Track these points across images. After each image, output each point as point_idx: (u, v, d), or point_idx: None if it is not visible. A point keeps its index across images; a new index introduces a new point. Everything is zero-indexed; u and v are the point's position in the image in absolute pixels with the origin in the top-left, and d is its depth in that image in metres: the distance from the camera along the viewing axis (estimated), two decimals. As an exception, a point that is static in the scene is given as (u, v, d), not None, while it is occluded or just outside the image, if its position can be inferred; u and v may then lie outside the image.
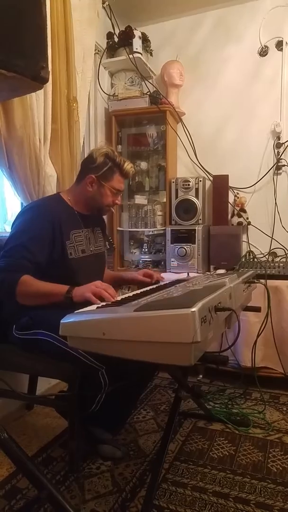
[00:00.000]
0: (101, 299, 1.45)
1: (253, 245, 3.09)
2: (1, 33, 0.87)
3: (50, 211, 1.79)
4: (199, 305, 0.99)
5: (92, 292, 1.46)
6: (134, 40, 2.99)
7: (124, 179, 1.94)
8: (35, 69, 0.95)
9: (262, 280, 2.20)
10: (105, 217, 2.22)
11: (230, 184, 3.05)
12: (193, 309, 0.97)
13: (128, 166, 1.91)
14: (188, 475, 1.69)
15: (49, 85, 2.14)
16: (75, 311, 1.25)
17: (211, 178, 3.14)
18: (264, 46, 3.01)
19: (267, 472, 1.72)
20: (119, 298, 1.48)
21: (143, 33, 3.09)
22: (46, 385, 2.41)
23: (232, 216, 3.08)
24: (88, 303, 1.43)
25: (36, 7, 0.95)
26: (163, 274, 2.25)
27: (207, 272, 2.77)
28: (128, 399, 1.98)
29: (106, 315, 1.14)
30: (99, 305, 1.36)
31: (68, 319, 1.20)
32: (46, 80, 0.99)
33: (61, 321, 1.19)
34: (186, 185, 2.96)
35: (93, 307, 1.34)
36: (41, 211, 1.78)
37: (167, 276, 2.42)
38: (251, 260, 2.89)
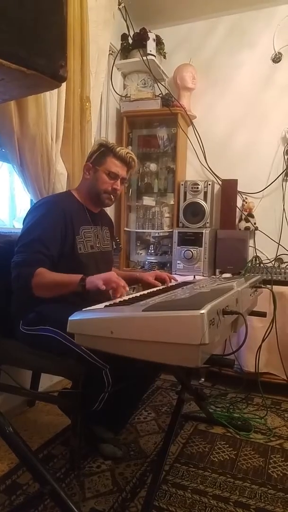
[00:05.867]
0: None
1: (259, 251, 3.09)
2: (23, 31, 0.88)
3: (61, 206, 1.81)
4: (208, 307, 0.99)
5: (104, 280, 1.49)
6: (148, 42, 3.01)
7: (121, 163, 1.91)
8: (54, 67, 0.96)
9: (269, 286, 2.20)
10: (112, 217, 2.22)
11: (239, 188, 3.06)
12: (202, 311, 0.96)
13: (122, 150, 1.91)
14: (188, 478, 1.69)
15: (63, 84, 2.15)
16: (83, 309, 1.26)
17: (220, 182, 3.14)
18: (278, 52, 3.00)
19: (268, 477, 1.71)
20: (126, 298, 1.48)
21: (157, 36, 3.10)
22: (48, 382, 2.42)
23: (239, 221, 3.08)
24: (100, 293, 1.44)
25: (58, 6, 0.95)
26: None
27: (212, 276, 2.77)
28: (131, 400, 1.98)
29: (115, 314, 1.14)
30: (107, 304, 1.37)
31: (76, 316, 1.20)
32: (65, 79, 1.00)
33: (69, 318, 1.19)
34: (194, 188, 2.96)
35: (101, 305, 1.35)
36: (53, 206, 1.81)
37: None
38: (257, 265, 2.88)
